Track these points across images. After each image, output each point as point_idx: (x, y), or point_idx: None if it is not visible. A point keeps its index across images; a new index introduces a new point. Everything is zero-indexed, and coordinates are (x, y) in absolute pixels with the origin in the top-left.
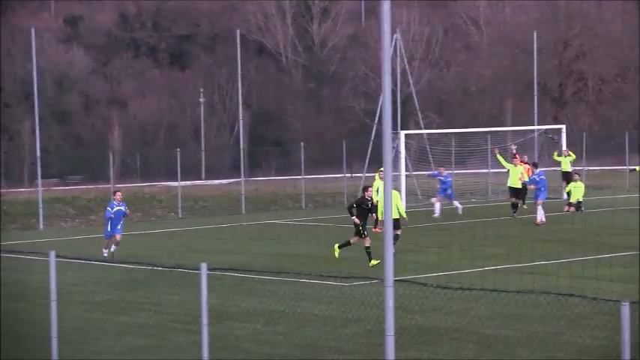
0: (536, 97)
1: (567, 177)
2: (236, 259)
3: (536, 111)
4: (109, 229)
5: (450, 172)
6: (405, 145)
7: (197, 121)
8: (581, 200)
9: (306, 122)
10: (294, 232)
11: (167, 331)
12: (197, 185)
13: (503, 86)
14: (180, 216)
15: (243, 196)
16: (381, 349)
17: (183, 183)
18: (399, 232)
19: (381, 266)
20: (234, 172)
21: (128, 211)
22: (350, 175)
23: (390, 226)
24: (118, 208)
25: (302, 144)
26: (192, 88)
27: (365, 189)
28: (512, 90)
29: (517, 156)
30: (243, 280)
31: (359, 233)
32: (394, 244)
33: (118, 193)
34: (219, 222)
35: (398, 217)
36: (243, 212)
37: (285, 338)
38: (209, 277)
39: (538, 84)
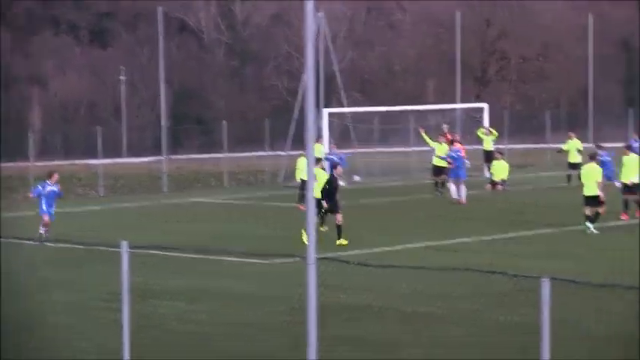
0: (458, 76)
1: (489, 156)
2: (158, 237)
3: (458, 90)
4: (43, 207)
5: (369, 150)
6: (328, 124)
7: (118, 99)
8: (505, 179)
9: (229, 100)
10: (216, 211)
11: (90, 309)
12: (118, 163)
13: (426, 65)
14: (101, 194)
15: (164, 175)
16: (303, 326)
17: (104, 161)
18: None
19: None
20: (156, 150)
21: (62, 193)
22: (273, 153)
23: (312, 204)
24: (51, 188)
25: (224, 122)
26: (113, 66)
27: (333, 167)
28: (435, 69)
29: (447, 135)
30: (166, 259)
31: (322, 213)
32: (321, 222)
33: (55, 174)
34: (141, 200)
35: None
36: (165, 190)
37: (208, 316)
38: (131, 255)
39: (461, 63)
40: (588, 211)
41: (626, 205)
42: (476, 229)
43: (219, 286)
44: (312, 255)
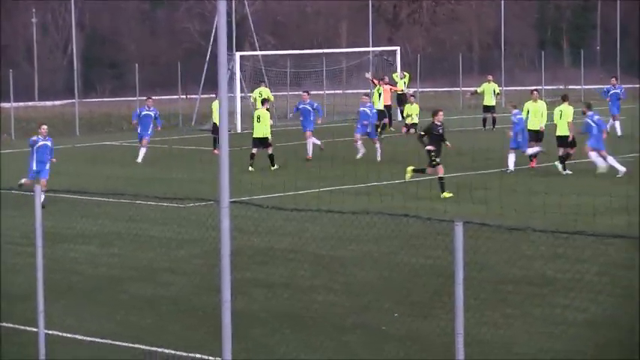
0: (370, 19)
1: (402, 99)
2: (71, 181)
3: (370, 32)
4: (33, 167)
5: (282, 93)
6: (240, 67)
7: (29, 42)
8: (416, 122)
9: (141, 44)
10: (129, 154)
11: (3, 253)
12: (30, 106)
13: (338, 8)
14: (13, 138)
15: (77, 118)
16: (216, 270)
17: (15, 104)
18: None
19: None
20: (68, 93)
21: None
22: (185, 96)
23: (225, 146)
24: (44, 142)
25: (136, 65)
26: (24, 10)
27: (435, 113)
28: (347, 12)
29: (374, 80)
30: (78, 203)
31: (432, 163)
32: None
33: (44, 126)
34: (54, 144)
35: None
36: (78, 134)
37: (120, 260)
38: (43, 199)
39: (373, 6)
40: (560, 151)
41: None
42: (389, 174)
43: (132, 230)
44: (225, 198)
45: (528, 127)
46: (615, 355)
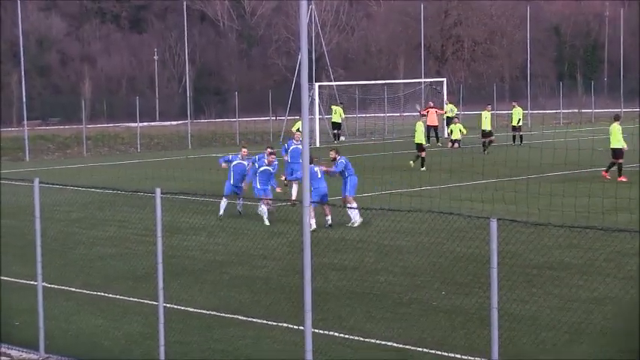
0: (422, 56)
1: (450, 121)
2: (184, 185)
3: (422, 67)
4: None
5: (352, 116)
6: (319, 94)
7: (152, 74)
8: (459, 138)
9: (240, 76)
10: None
11: (129, 242)
12: (152, 126)
13: (396, 47)
14: (139, 150)
15: (189, 135)
16: (300, 255)
17: (141, 124)
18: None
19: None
20: (182, 115)
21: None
22: (275, 118)
23: (307, 157)
24: (240, 162)
25: (236, 93)
26: (148, 48)
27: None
28: (404, 50)
29: (426, 109)
30: (190, 202)
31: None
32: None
33: (244, 150)
34: (170, 155)
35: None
36: (190, 147)
37: (224, 247)
38: (162, 199)
39: (424, 45)
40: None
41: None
42: (438, 179)
43: (234, 225)
44: (307, 199)
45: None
46: (619, 325)
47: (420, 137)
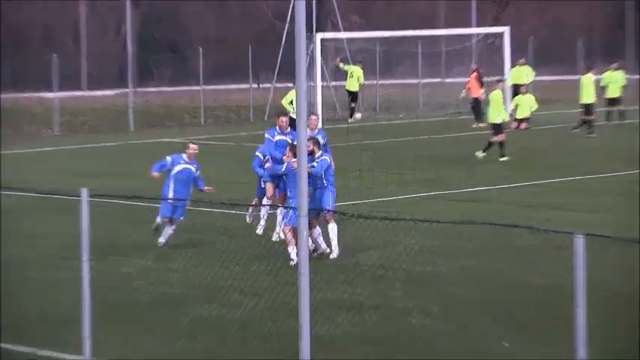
0: None
1: (517, 90)
2: (123, 183)
3: (473, 12)
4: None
5: (370, 82)
6: (322, 51)
7: (77, 22)
8: (528, 116)
9: (206, 24)
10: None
11: (45, 267)
12: (77, 97)
13: None
14: (56, 133)
15: (131, 110)
16: (292, 289)
17: (60, 94)
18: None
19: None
20: (121, 82)
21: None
22: (257, 86)
23: (304, 150)
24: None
25: (200, 49)
26: None
27: None
28: None
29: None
30: (132, 209)
31: None
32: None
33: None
34: (103, 140)
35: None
36: (132, 129)
37: (181, 276)
38: (91, 204)
39: None
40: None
41: None
42: (494, 176)
43: (194, 241)
44: (304, 207)
45: None
46: None
47: (497, 113)
